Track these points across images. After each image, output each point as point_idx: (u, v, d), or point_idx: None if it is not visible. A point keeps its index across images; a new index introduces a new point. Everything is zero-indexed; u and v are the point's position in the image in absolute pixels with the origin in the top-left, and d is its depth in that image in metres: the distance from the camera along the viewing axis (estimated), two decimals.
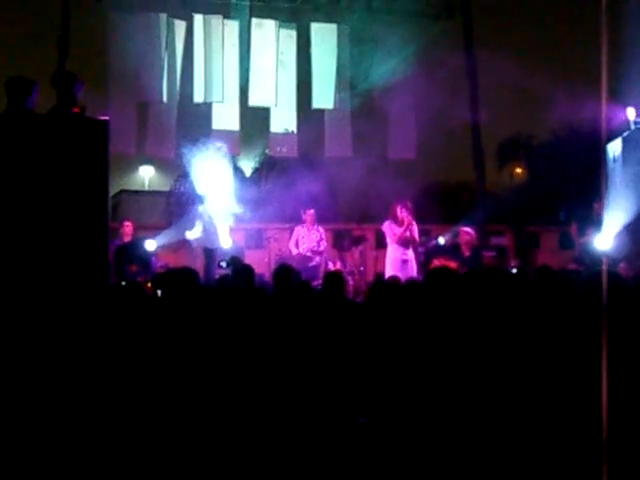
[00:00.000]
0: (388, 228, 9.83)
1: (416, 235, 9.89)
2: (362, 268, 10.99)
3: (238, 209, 10.93)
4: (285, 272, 5.00)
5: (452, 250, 10.21)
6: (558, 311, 4.05)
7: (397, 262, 9.71)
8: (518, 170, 24.38)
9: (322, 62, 12.74)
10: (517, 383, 3.71)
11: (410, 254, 9.86)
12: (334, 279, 5.27)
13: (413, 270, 9.73)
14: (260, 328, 4.26)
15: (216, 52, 12.38)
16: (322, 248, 10.83)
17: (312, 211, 10.81)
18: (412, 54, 12.45)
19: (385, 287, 5.30)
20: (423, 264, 10.69)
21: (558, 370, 3.69)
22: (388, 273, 9.59)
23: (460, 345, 3.86)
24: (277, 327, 4.31)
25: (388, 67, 12.47)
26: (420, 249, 11.44)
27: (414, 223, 9.84)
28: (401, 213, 9.73)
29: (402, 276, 7.87)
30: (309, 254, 10.67)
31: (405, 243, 9.79)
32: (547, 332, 3.87)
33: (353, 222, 12.90)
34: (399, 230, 9.72)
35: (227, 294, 4.90)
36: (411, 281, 5.94)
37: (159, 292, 5.00)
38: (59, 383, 3.79)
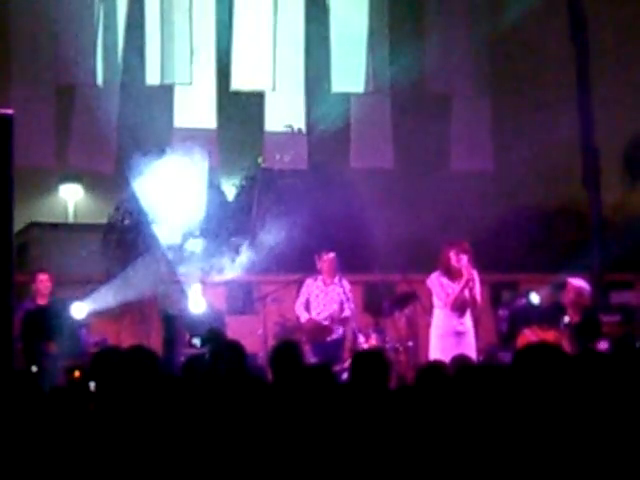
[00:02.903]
0: (437, 284, 9.92)
1: (478, 295, 9.96)
2: (411, 343, 10.97)
3: (215, 253, 10.94)
4: (289, 352, 5.01)
5: (552, 313, 10.22)
6: None
7: (448, 336, 9.78)
8: None
9: (346, 22, 12.88)
10: None
11: (468, 324, 9.92)
12: (369, 363, 5.29)
13: (471, 348, 9.74)
14: (256, 442, 4.22)
15: (181, 10, 12.55)
16: (348, 313, 10.86)
17: (332, 255, 10.86)
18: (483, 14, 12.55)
19: (441, 374, 5.30)
20: (507, 335, 10.79)
21: None
22: (434, 352, 9.66)
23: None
24: (282, 440, 4.27)
25: (449, 31, 12.57)
26: (502, 312, 11.50)
27: (476, 276, 9.91)
28: (457, 262, 9.82)
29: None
30: (327, 322, 10.71)
31: (462, 307, 9.87)
32: None
33: (396, 271, 12.85)
34: (454, 287, 9.82)
35: (202, 388, 4.89)
36: (490, 366, 5.94)
37: (92, 385, 5.05)
38: None
